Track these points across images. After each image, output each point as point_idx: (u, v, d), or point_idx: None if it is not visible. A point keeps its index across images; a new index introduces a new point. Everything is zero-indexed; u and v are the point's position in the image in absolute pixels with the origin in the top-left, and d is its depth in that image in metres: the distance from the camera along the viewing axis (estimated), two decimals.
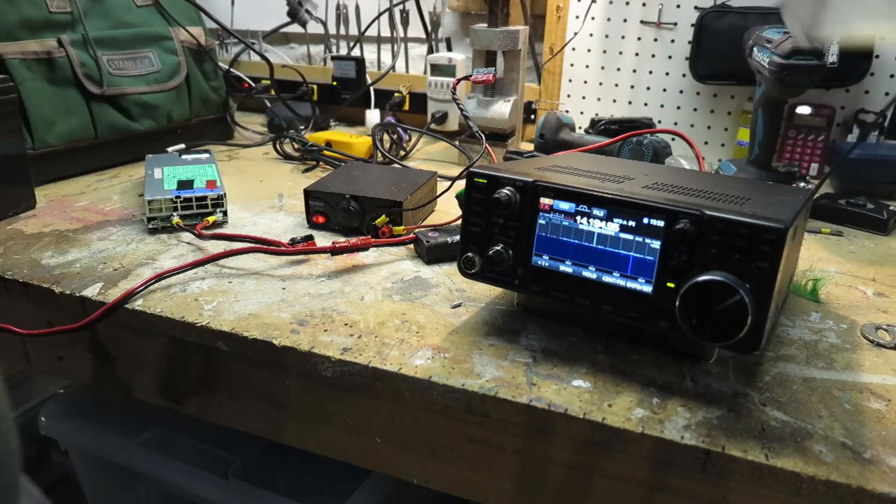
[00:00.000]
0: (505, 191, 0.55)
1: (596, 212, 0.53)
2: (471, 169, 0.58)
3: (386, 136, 1.22)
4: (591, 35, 1.26)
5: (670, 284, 0.50)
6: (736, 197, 0.55)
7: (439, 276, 0.72)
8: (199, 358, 0.66)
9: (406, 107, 1.41)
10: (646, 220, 0.51)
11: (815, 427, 0.48)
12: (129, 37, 1.10)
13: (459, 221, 0.76)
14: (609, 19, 1.24)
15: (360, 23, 1.52)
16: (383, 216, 0.80)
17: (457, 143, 1.19)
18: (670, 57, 1.18)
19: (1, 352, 0.79)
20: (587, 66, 1.28)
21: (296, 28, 1.53)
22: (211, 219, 0.83)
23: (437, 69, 1.28)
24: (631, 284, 0.52)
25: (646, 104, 1.25)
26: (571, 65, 1.29)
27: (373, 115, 1.40)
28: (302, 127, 1.34)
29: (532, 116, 1.34)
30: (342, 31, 1.55)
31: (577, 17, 1.25)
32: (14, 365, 1.35)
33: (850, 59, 1.05)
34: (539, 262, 0.56)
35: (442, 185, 0.93)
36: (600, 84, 1.28)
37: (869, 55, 1.06)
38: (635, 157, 1.01)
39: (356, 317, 0.62)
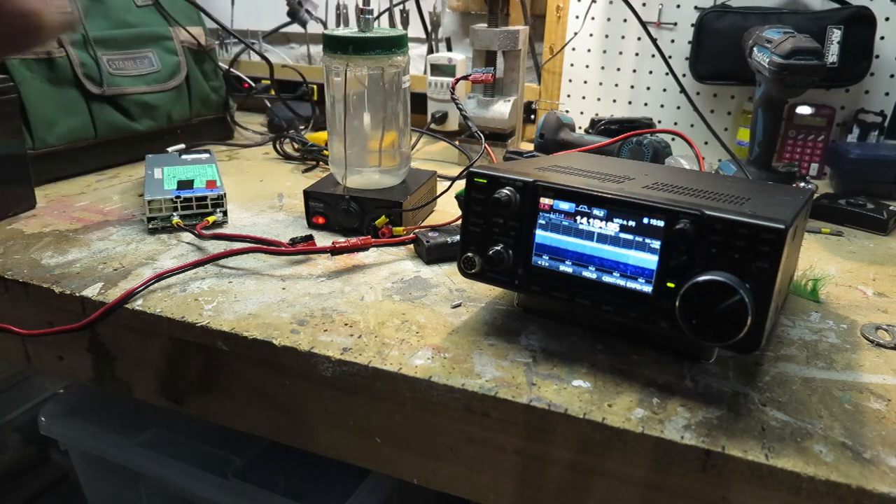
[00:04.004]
0: (505, 191, 0.55)
1: (596, 212, 0.53)
2: (471, 169, 0.58)
3: None
4: (591, 35, 1.26)
5: (670, 284, 0.50)
6: (736, 197, 0.55)
7: (439, 276, 0.72)
8: (199, 358, 0.66)
9: None
10: (646, 220, 0.51)
11: (815, 427, 0.48)
12: (129, 37, 1.10)
13: (459, 221, 0.76)
14: (609, 19, 1.24)
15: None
16: (383, 217, 0.80)
17: (457, 143, 1.19)
18: (670, 57, 1.18)
19: (1, 352, 0.79)
20: (587, 66, 1.28)
21: (296, 28, 1.53)
22: (211, 219, 0.83)
23: (437, 69, 1.28)
24: (631, 284, 0.52)
25: (646, 104, 1.25)
26: (571, 65, 1.29)
27: None
28: (302, 127, 1.34)
29: (532, 116, 1.34)
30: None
31: (577, 17, 1.25)
32: (14, 365, 1.36)
33: (850, 59, 1.05)
34: (539, 262, 0.56)
35: (442, 185, 0.93)
36: (600, 84, 1.28)
37: (869, 55, 1.06)
38: (635, 157, 1.01)
39: (356, 317, 0.63)
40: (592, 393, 0.52)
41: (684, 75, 1.18)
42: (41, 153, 0.97)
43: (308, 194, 0.84)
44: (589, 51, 1.27)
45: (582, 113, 1.30)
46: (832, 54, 1.05)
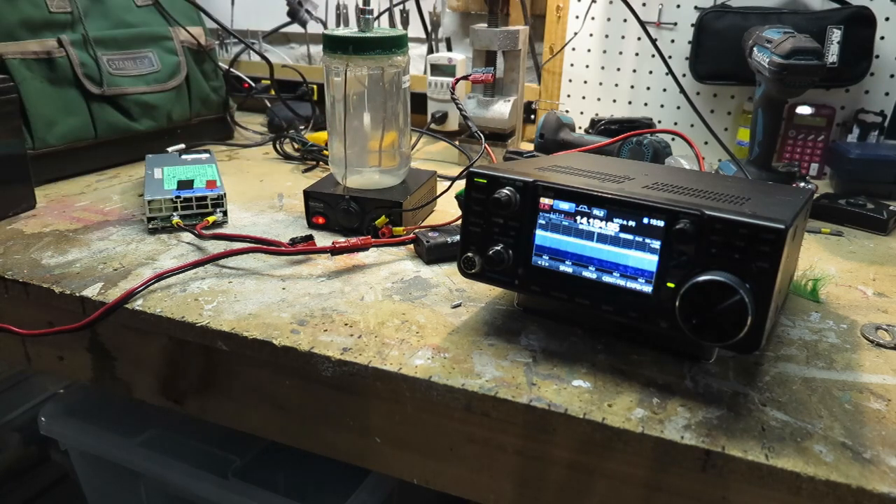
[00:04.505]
0: (505, 191, 0.55)
1: (596, 212, 0.53)
2: (471, 169, 0.58)
3: None
4: (591, 35, 1.26)
5: (670, 284, 0.50)
6: (736, 197, 0.55)
7: (439, 276, 0.72)
8: (199, 358, 0.66)
9: None
10: (646, 220, 0.51)
11: (815, 427, 0.48)
12: (129, 37, 1.10)
13: (459, 221, 0.76)
14: (609, 19, 1.24)
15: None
16: (383, 217, 0.80)
17: (457, 143, 1.19)
18: (670, 57, 1.18)
19: (1, 352, 0.79)
20: (587, 66, 1.28)
21: (296, 28, 1.53)
22: (211, 219, 0.83)
23: (437, 69, 1.28)
24: (631, 284, 0.52)
25: (646, 104, 1.25)
26: (571, 65, 1.29)
27: None
28: (302, 127, 1.34)
29: (532, 116, 1.34)
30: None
31: (577, 17, 1.25)
32: (14, 365, 1.36)
33: (850, 59, 1.05)
34: (539, 262, 0.56)
35: (442, 185, 0.93)
36: (600, 84, 1.28)
37: (869, 55, 1.06)
38: (635, 157, 1.01)
39: (356, 317, 0.62)
40: (592, 393, 0.52)
41: (684, 75, 1.18)
42: (41, 153, 0.97)
43: (308, 194, 0.84)
44: (589, 51, 1.27)
45: (582, 113, 1.30)
46: (832, 54, 1.05)
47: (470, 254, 0.58)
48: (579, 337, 0.60)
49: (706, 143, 1.19)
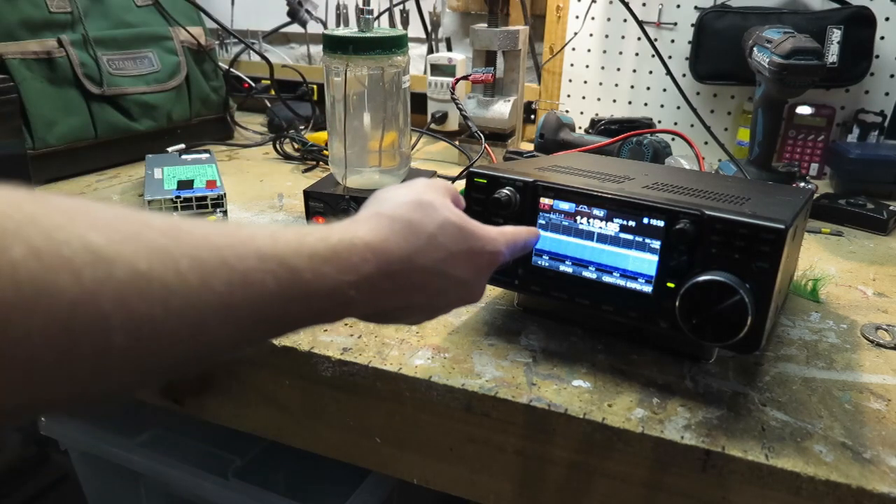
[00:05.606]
0: (505, 191, 0.55)
1: (596, 212, 0.53)
2: (471, 169, 0.58)
3: None
4: (591, 35, 1.26)
5: (670, 284, 0.50)
6: (736, 197, 0.55)
7: None
8: None
9: None
10: (646, 220, 0.51)
11: (815, 427, 0.48)
12: (129, 37, 1.10)
13: None
14: (609, 19, 1.24)
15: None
16: None
17: (457, 143, 1.19)
18: (670, 57, 1.18)
19: None
20: (587, 66, 1.28)
21: (296, 28, 1.53)
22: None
23: (436, 69, 1.28)
24: (631, 284, 0.52)
25: (646, 104, 1.25)
26: (571, 65, 1.29)
27: None
28: (302, 127, 1.34)
29: (532, 116, 1.34)
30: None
31: (577, 17, 1.25)
32: None
33: (850, 59, 1.05)
34: (539, 262, 0.56)
35: None
36: (600, 84, 1.28)
37: (869, 55, 1.06)
38: (635, 157, 1.01)
39: None
40: (592, 393, 0.52)
41: (684, 75, 1.18)
42: (41, 153, 0.97)
43: (308, 194, 0.83)
44: (589, 51, 1.27)
45: (582, 113, 1.30)
46: (832, 54, 1.05)
47: None
48: (579, 337, 0.60)
49: (706, 143, 1.19)
